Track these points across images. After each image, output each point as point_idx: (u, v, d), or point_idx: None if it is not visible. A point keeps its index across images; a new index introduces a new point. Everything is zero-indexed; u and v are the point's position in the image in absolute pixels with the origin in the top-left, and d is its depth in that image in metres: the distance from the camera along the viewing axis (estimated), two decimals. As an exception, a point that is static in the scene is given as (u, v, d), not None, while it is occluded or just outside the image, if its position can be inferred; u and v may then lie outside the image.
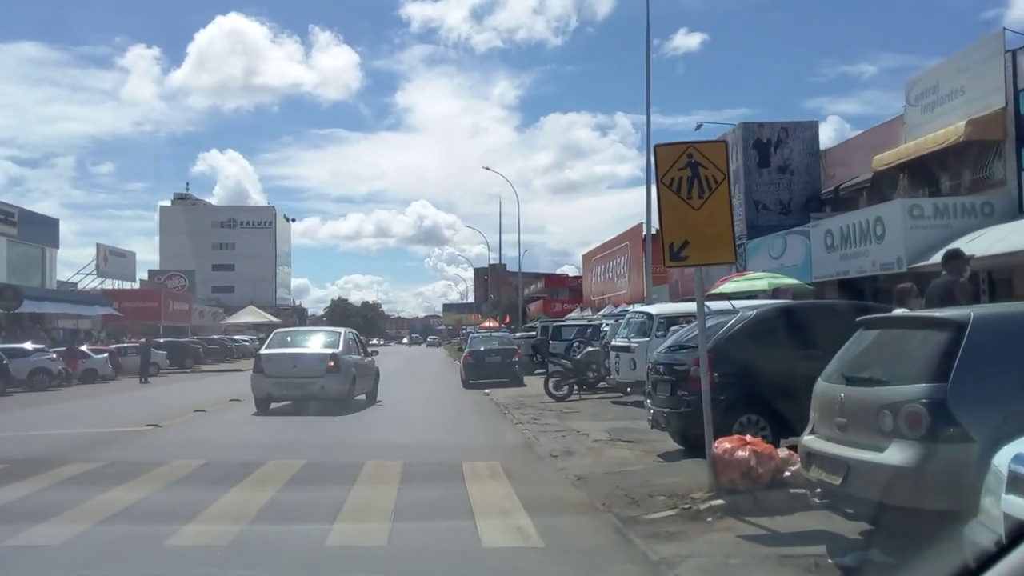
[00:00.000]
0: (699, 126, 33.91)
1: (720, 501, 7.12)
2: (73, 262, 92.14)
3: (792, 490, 7.24)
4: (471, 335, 30.28)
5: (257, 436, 13.51)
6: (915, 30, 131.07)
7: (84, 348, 34.17)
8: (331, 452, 11.27)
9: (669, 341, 10.72)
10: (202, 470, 9.64)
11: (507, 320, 69.84)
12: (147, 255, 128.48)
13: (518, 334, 32.49)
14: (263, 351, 18.39)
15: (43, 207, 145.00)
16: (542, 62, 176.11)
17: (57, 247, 57.13)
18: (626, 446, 11.10)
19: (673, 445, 10.51)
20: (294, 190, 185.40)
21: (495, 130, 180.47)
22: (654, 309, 17.24)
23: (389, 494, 7.92)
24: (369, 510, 7.38)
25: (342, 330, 19.49)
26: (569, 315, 58.34)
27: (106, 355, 32.90)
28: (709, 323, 10.40)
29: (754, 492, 7.21)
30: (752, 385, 9.23)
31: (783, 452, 7.50)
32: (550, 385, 18.32)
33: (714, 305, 17.07)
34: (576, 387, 18.32)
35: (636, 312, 17.83)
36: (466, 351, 24.56)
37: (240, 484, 8.53)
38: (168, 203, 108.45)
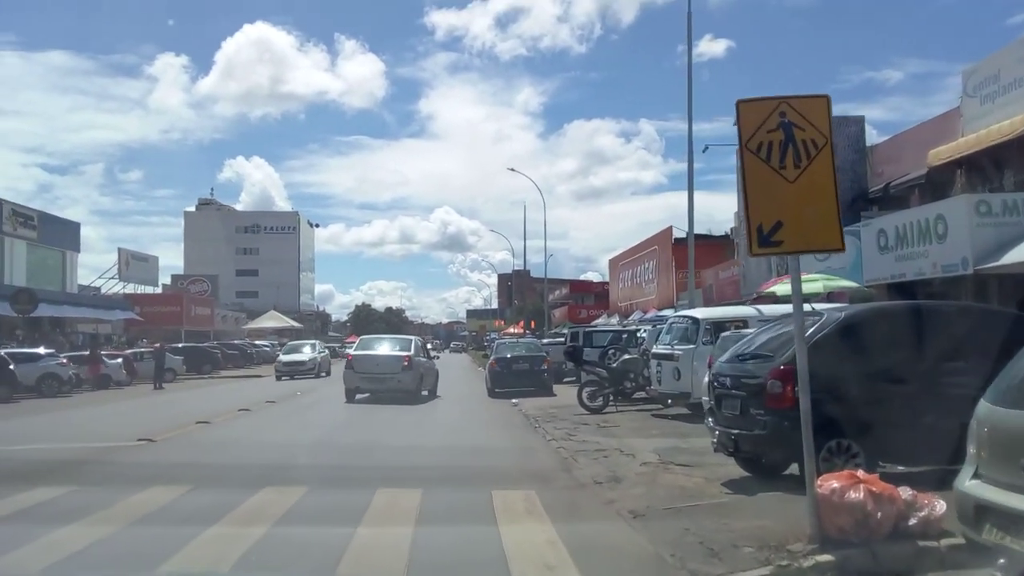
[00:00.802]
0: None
1: (828, 557, 5.44)
2: (100, 267, 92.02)
3: (921, 543, 5.57)
4: (497, 341, 28.48)
5: (257, 455, 11.88)
6: (940, 36, 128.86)
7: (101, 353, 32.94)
8: (338, 478, 9.67)
9: (735, 349, 8.98)
10: (181, 500, 8.05)
11: (532, 325, 68.09)
12: (174, 261, 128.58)
13: (544, 340, 30.91)
14: (354, 352, 22.03)
15: (71, 214, 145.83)
16: (566, 69, 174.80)
17: (78, 251, 56.31)
18: (681, 471, 9.42)
19: (737, 470, 8.83)
20: (319, 197, 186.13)
21: (519, 137, 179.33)
22: (700, 313, 15.56)
23: (402, 539, 6.29)
24: (376, 563, 5.78)
25: (413, 338, 24.05)
26: (595, 321, 56.64)
27: (120, 360, 31.56)
28: (778, 330, 8.75)
29: (871, 545, 5.54)
30: (843, 403, 7.51)
31: (906, 493, 5.79)
32: (584, 396, 16.65)
33: (775, 309, 15.43)
34: (612, 398, 16.63)
35: (680, 316, 16.12)
36: (492, 358, 22.95)
37: (222, 521, 6.94)
38: (193, 209, 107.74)
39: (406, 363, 20.33)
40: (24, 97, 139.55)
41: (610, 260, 62.99)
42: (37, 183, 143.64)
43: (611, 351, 18.33)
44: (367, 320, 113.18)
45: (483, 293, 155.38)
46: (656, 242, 48.34)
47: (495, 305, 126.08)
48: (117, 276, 60.74)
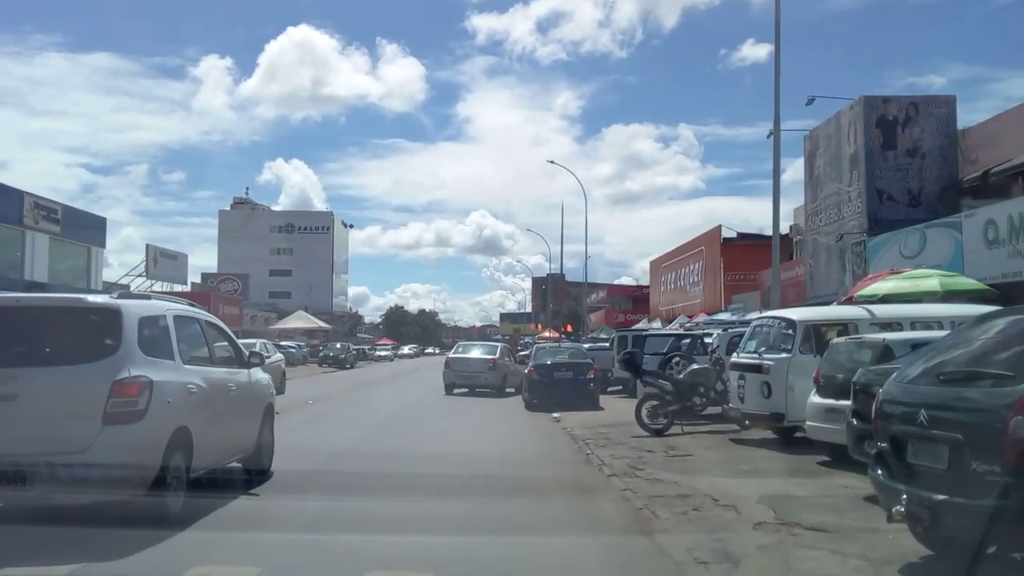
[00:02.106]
0: (811, 100, 28.92)
1: None
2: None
3: None
4: (536, 346, 25.10)
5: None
6: (983, 41, 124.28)
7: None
8: (307, 549, 6.23)
9: (922, 364, 5.68)
10: None
11: (568, 329, 64.90)
12: (211, 261, 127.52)
13: (585, 346, 27.85)
14: (450, 355, 25.81)
15: (113, 214, 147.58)
16: (605, 73, 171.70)
17: (103, 247, 53.84)
18: (821, 541, 6.23)
19: (909, 542, 5.67)
20: (356, 199, 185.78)
21: (556, 140, 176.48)
22: (796, 314, 12.26)
23: None
24: None
25: (499, 344, 28.29)
26: (636, 325, 53.33)
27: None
28: (994, 333, 5.54)
29: None
30: None
31: None
32: (643, 413, 13.45)
33: (898, 311, 12.15)
34: (676, 416, 13.42)
35: (769, 318, 12.83)
36: (529, 365, 19.85)
37: None
38: (228, 208, 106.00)
39: (491, 364, 23.99)
40: (69, 98, 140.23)
41: (651, 262, 59.61)
42: (80, 183, 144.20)
43: (673, 359, 15.05)
44: (399, 322, 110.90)
45: (517, 297, 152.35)
46: (703, 242, 44.94)
47: (529, 309, 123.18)
48: (144, 274, 58.47)
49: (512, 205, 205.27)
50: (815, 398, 10.02)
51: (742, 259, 40.86)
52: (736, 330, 15.75)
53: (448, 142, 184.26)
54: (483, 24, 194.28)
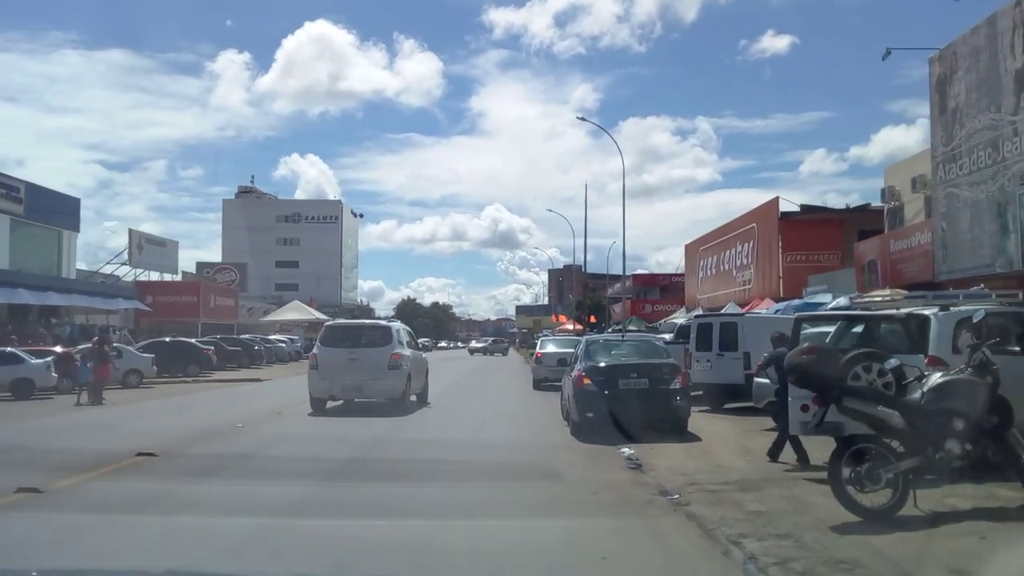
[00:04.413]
0: (887, 54, 22.10)
1: None
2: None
3: None
4: (586, 339, 15.46)
5: None
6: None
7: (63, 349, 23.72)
8: None
9: None
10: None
11: (592, 320, 57.83)
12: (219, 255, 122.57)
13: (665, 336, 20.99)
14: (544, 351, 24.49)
15: (129, 210, 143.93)
16: (622, 66, 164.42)
17: (77, 230, 47.27)
18: None
19: None
20: (371, 193, 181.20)
21: (571, 134, 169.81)
22: None
23: None
24: None
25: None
26: (671, 317, 46.18)
27: (50, 359, 22.03)
28: None
29: None
30: None
31: None
32: (849, 475, 6.28)
33: None
34: (911, 478, 6.31)
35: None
36: (577, 368, 12.46)
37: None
38: (232, 197, 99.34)
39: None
40: (85, 95, 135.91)
41: (687, 246, 52.30)
42: (97, 179, 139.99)
43: (864, 363, 7.63)
44: (412, 315, 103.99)
45: (533, 290, 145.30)
46: (755, 219, 37.58)
47: (546, 301, 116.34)
48: (128, 261, 51.62)
49: (527, 199, 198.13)
50: None
51: (805, 236, 33.67)
52: (993, 308, 8.52)
53: (463, 136, 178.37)
54: (500, 18, 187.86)
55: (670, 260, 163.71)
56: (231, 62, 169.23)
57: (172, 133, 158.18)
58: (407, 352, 16.92)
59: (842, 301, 20.16)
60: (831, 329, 9.97)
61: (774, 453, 9.20)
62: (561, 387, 14.83)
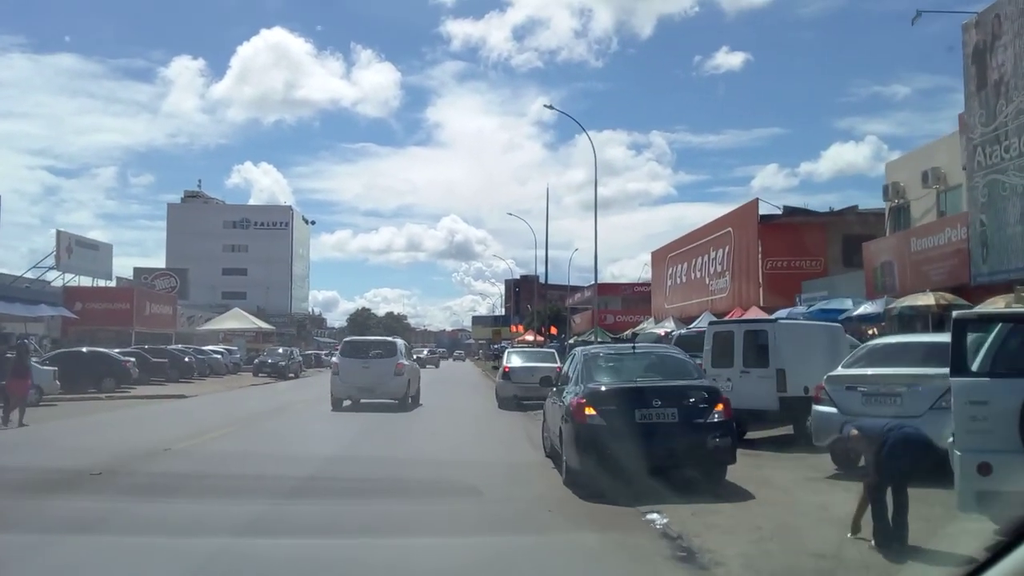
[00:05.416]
0: (916, 16, 19.30)
1: None
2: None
3: None
4: (585, 354, 9.64)
5: None
6: (947, 52, 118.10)
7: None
8: None
9: None
10: None
11: (553, 331, 54.52)
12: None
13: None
14: (512, 365, 21.24)
15: (77, 217, 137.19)
16: (578, 80, 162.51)
17: (-5, 230, 42.68)
18: None
19: None
20: (325, 203, 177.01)
21: (527, 146, 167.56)
22: None
23: None
24: None
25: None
26: (641, 326, 43.08)
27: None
28: None
29: None
30: None
31: None
32: None
33: None
34: None
35: None
36: (575, 393, 8.66)
37: None
38: (178, 201, 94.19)
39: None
40: (32, 99, 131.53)
41: (653, 254, 49.37)
42: (43, 186, 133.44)
43: None
44: (365, 326, 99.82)
45: (489, 300, 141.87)
46: (731, 222, 34.64)
47: (502, 312, 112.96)
48: (55, 265, 46.80)
49: (483, 210, 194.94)
50: None
51: (787, 241, 30.76)
52: None
53: (419, 147, 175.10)
54: (459, 30, 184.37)
55: (624, 272, 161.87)
56: (184, 68, 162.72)
57: (122, 139, 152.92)
58: (407, 362, 20.40)
59: (869, 307, 17.10)
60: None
61: (889, 537, 5.80)
62: (543, 415, 11.34)
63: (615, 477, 7.83)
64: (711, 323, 13.89)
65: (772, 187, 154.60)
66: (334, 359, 21.28)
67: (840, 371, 8.99)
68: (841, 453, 8.89)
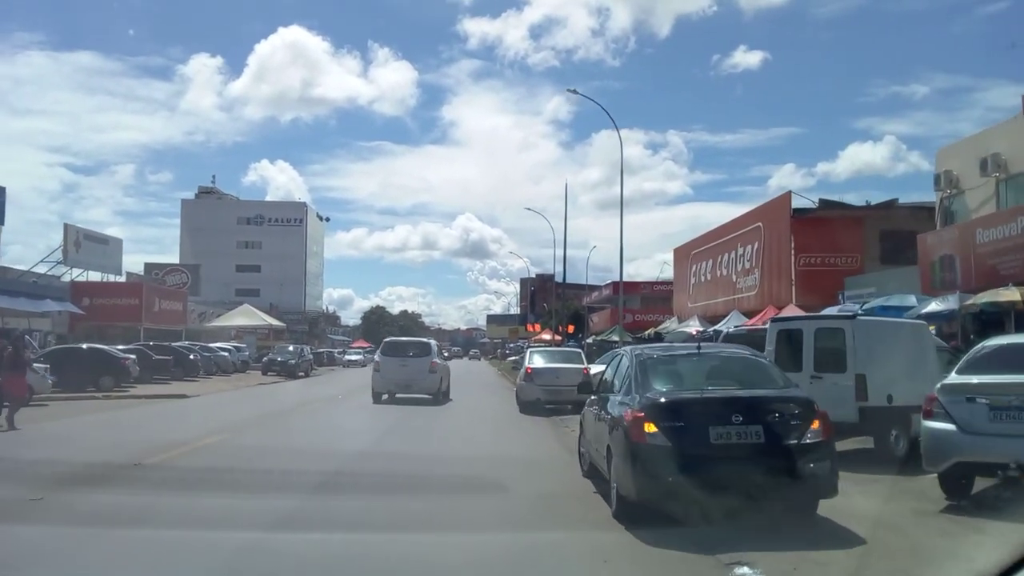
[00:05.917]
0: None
1: None
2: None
3: None
4: (638, 356, 7.56)
5: None
6: (967, 51, 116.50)
7: None
8: None
9: None
10: None
11: (571, 330, 52.77)
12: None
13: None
14: (535, 366, 19.92)
15: (95, 214, 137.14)
16: (594, 79, 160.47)
17: (1, 223, 41.28)
18: None
19: None
20: (341, 201, 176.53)
21: (543, 145, 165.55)
22: None
23: None
24: None
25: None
26: (663, 325, 41.33)
27: None
28: None
29: None
30: None
31: None
32: None
33: None
34: None
35: None
36: (629, 405, 6.78)
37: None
38: (192, 197, 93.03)
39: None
40: (50, 97, 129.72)
41: (675, 251, 47.45)
42: (62, 183, 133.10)
43: None
44: (379, 324, 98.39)
45: (503, 300, 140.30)
46: (761, 217, 32.73)
47: (517, 311, 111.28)
48: (63, 260, 45.42)
49: (498, 209, 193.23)
50: None
51: (821, 236, 28.84)
52: None
53: (435, 145, 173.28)
54: (476, 28, 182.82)
55: (640, 271, 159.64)
56: (203, 66, 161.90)
57: (140, 137, 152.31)
58: (440, 361, 22.14)
59: (938, 305, 15.24)
60: None
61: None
62: (580, 426, 9.58)
63: (683, 513, 6.09)
64: (774, 320, 12.04)
65: (789, 187, 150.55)
66: (376, 358, 22.58)
67: (956, 378, 7.19)
68: (955, 481, 7.13)
